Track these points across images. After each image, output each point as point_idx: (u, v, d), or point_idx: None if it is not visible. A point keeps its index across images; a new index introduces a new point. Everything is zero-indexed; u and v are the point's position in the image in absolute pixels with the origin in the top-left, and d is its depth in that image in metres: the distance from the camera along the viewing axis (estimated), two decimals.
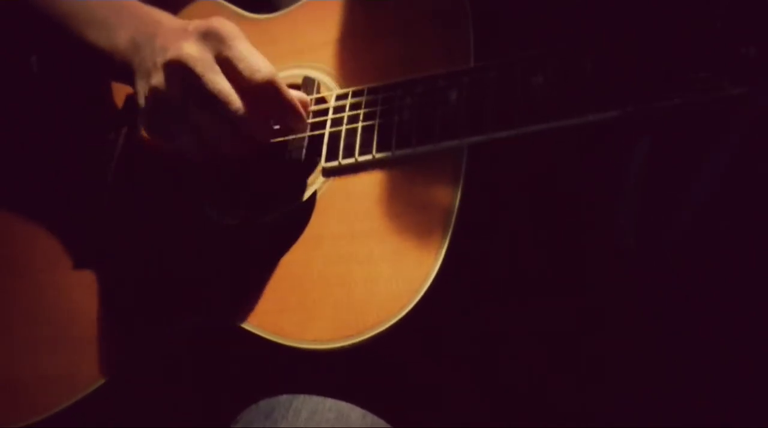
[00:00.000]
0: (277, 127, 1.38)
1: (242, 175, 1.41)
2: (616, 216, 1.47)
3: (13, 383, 1.48)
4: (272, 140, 1.37)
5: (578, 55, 1.21)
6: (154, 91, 1.34)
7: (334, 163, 1.32)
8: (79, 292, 1.47)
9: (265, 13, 1.51)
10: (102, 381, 1.40)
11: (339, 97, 1.36)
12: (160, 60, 1.33)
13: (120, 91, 1.57)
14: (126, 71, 1.40)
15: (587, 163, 1.42)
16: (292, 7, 1.48)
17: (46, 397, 1.43)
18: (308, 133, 1.36)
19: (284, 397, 1.30)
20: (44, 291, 1.51)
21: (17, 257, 1.56)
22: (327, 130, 1.34)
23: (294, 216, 1.33)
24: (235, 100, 1.31)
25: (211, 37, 1.32)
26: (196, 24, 1.34)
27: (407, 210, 1.26)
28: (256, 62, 1.32)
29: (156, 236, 1.46)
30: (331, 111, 1.35)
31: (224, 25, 1.34)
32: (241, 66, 1.32)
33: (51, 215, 1.55)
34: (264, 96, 1.33)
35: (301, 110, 1.36)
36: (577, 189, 1.43)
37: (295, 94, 1.36)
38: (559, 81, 1.20)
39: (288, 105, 1.34)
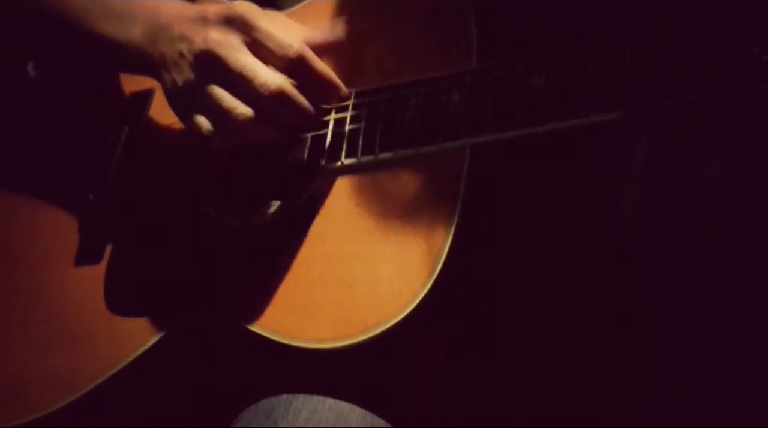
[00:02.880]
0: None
1: (245, 175, 1.41)
2: (617, 217, 1.48)
3: (12, 381, 1.48)
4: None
5: (580, 55, 1.20)
6: (184, 82, 1.33)
7: (337, 164, 1.32)
8: (79, 290, 1.47)
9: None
10: (101, 380, 1.40)
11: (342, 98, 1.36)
12: (186, 50, 1.33)
13: (126, 86, 1.57)
14: (144, 63, 1.40)
15: (588, 163, 1.42)
16: (296, 7, 1.48)
17: (45, 395, 1.43)
18: (311, 133, 1.35)
19: (284, 397, 1.30)
20: (44, 289, 1.51)
21: (17, 255, 1.56)
22: (330, 131, 1.34)
23: (297, 217, 1.33)
24: (265, 74, 1.30)
25: (234, 22, 1.32)
26: (216, 10, 1.33)
27: (409, 210, 1.26)
28: (285, 38, 1.31)
29: (157, 234, 1.46)
30: (333, 111, 1.35)
31: (245, 7, 1.33)
32: (270, 44, 1.31)
33: (51, 213, 1.55)
34: (298, 71, 1.32)
35: (337, 80, 1.35)
36: (578, 189, 1.43)
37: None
38: (561, 81, 1.20)
39: (323, 75, 1.34)
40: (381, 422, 1.28)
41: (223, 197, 1.42)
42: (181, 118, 1.38)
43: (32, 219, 1.57)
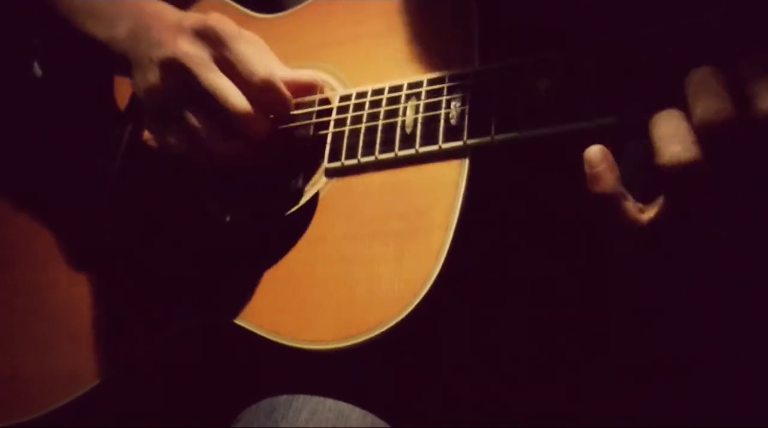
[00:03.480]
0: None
1: (245, 174, 1.41)
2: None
3: (12, 380, 1.48)
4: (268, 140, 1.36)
5: (584, 58, 1.20)
6: (149, 88, 1.34)
7: (337, 164, 1.32)
8: (81, 289, 1.48)
9: (271, 13, 1.51)
10: (101, 379, 1.41)
11: (343, 98, 1.36)
12: (155, 55, 1.32)
13: (126, 88, 1.57)
14: (124, 63, 1.40)
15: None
16: (298, 7, 1.48)
17: (45, 394, 1.44)
18: (311, 134, 1.35)
19: (284, 397, 1.30)
20: (45, 288, 1.51)
21: (19, 254, 1.57)
22: (330, 131, 1.34)
23: (296, 217, 1.33)
24: (234, 96, 1.30)
25: (208, 37, 1.31)
26: (192, 20, 1.33)
27: (409, 211, 1.25)
28: (254, 62, 1.31)
29: (158, 233, 1.46)
30: (334, 111, 1.35)
31: (222, 24, 1.33)
32: (239, 67, 1.31)
33: (53, 212, 1.56)
34: (260, 98, 1.32)
35: (291, 104, 1.35)
36: (578, 190, 1.43)
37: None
38: (565, 84, 1.20)
39: (284, 104, 1.34)
40: (381, 422, 1.28)
41: (223, 197, 1.42)
42: (149, 126, 1.39)
43: (34, 218, 1.57)
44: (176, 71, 1.30)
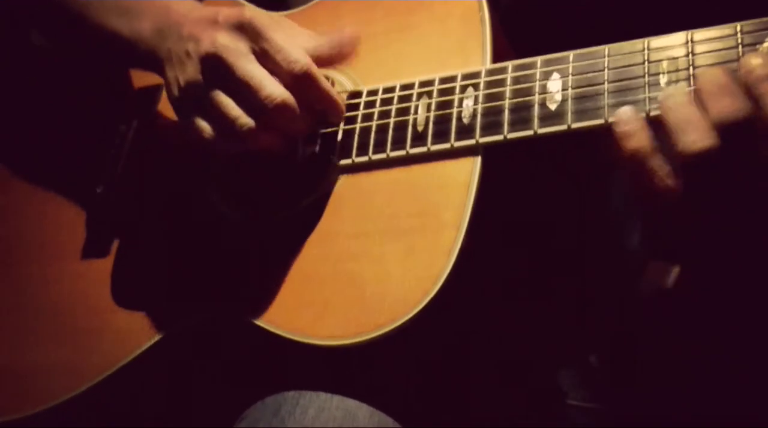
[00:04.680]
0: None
1: (255, 171, 1.40)
2: (623, 218, 1.48)
3: (18, 372, 1.47)
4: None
5: (596, 57, 1.21)
6: (187, 82, 1.32)
7: (348, 161, 1.32)
8: (86, 283, 1.47)
9: (279, 11, 1.50)
10: (106, 374, 1.40)
11: (353, 95, 1.36)
12: (192, 49, 1.31)
13: (131, 85, 1.57)
14: (151, 60, 1.39)
15: (597, 165, 1.43)
16: (304, 7, 1.48)
17: (50, 387, 1.43)
18: (323, 130, 1.35)
19: (291, 394, 1.30)
20: (52, 282, 1.50)
21: (26, 247, 1.55)
22: (341, 128, 1.34)
23: (307, 214, 1.33)
24: (271, 85, 1.28)
25: (245, 29, 1.30)
26: (227, 14, 1.32)
27: (420, 209, 1.26)
28: (293, 53, 1.30)
29: (165, 230, 1.45)
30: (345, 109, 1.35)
31: (257, 15, 1.32)
32: (278, 57, 1.29)
33: (60, 206, 1.55)
34: (301, 87, 1.30)
35: (339, 100, 1.34)
36: (588, 190, 1.44)
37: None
38: (576, 83, 1.20)
39: (326, 95, 1.32)
40: (388, 420, 1.28)
41: (231, 193, 1.42)
42: (181, 118, 1.37)
43: (41, 212, 1.56)
44: (216, 64, 1.29)
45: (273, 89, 1.28)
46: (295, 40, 1.32)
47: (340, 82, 1.39)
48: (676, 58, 1.17)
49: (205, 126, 1.31)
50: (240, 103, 1.29)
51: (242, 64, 1.29)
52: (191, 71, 1.31)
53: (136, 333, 1.39)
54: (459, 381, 1.35)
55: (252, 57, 1.30)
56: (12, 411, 1.44)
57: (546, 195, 1.37)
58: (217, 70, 1.30)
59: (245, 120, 1.29)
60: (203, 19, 1.33)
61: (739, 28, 1.15)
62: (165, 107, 1.49)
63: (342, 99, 1.35)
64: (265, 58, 1.30)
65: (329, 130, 1.35)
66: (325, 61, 1.33)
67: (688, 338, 1.41)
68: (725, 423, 1.42)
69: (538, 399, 1.44)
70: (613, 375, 1.50)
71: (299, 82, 1.29)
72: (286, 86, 1.29)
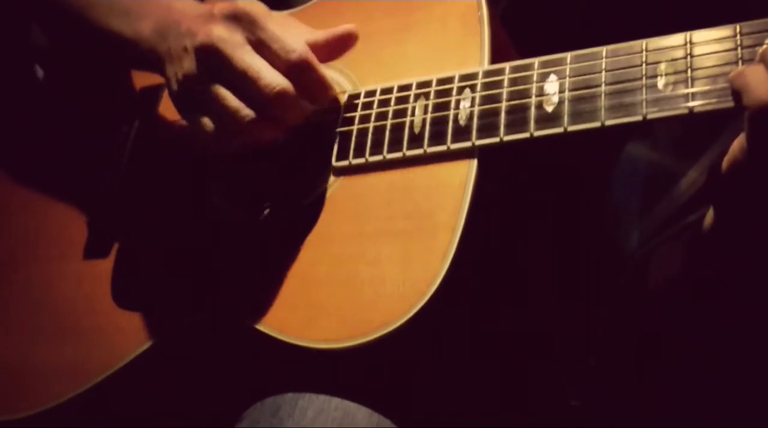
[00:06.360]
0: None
1: (252, 172, 1.41)
2: (622, 219, 1.48)
3: (21, 371, 1.48)
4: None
5: (593, 59, 1.20)
6: (185, 76, 1.32)
7: (345, 163, 1.32)
8: (88, 284, 1.47)
9: (280, 11, 1.50)
10: (107, 374, 1.40)
11: (351, 97, 1.35)
12: (189, 44, 1.31)
13: (132, 85, 1.57)
14: (152, 59, 1.39)
15: (596, 167, 1.43)
16: (303, 6, 1.47)
17: (52, 387, 1.44)
18: (320, 132, 1.35)
19: (289, 395, 1.30)
20: (55, 282, 1.51)
21: (29, 247, 1.56)
22: (338, 129, 1.34)
23: (303, 215, 1.33)
24: (269, 74, 1.28)
25: (241, 20, 1.30)
26: (222, 6, 1.31)
27: (416, 211, 1.25)
28: (289, 41, 1.29)
29: (165, 230, 1.46)
30: (343, 110, 1.35)
31: (253, 6, 1.31)
32: (275, 46, 1.29)
33: (62, 207, 1.56)
34: (298, 75, 1.30)
35: (332, 87, 1.33)
36: (584, 193, 1.43)
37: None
38: (573, 85, 1.20)
39: (321, 82, 1.31)
40: (387, 421, 1.28)
41: (231, 194, 1.42)
42: (183, 115, 1.37)
43: (44, 212, 1.57)
44: (212, 56, 1.29)
45: (272, 78, 1.28)
46: (291, 30, 1.32)
47: (338, 83, 1.39)
48: (675, 59, 1.16)
49: (206, 121, 1.31)
50: (239, 94, 1.29)
51: (239, 55, 1.29)
52: (189, 65, 1.31)
53: (137, 333, 1.40)
54: (458, 381, 1.35)
55: (249, 47, 1.29)
56: (13, 411, 1.45)
57: (543, 197, 1.37)
58: (215, 63, 1.29)
59: (246, 111, 1.29)
60: (200, 14, 1.34)
61: (738, 30, 1.13)
62: (167, 107, 1.50)
63: (341, 100, 1.35)
64: (261, 47, 1.30)
65: (327, 132, 1.35)
66: (321, 53, 1.33)
67: (689, 336, 1.40)
68: (725, 423, 1.42)
69: (538, 400, 1.44)
70: (613, 375, 1.50)
71: (297, 70, 1.29)
72: (284, 75, 1.28)
